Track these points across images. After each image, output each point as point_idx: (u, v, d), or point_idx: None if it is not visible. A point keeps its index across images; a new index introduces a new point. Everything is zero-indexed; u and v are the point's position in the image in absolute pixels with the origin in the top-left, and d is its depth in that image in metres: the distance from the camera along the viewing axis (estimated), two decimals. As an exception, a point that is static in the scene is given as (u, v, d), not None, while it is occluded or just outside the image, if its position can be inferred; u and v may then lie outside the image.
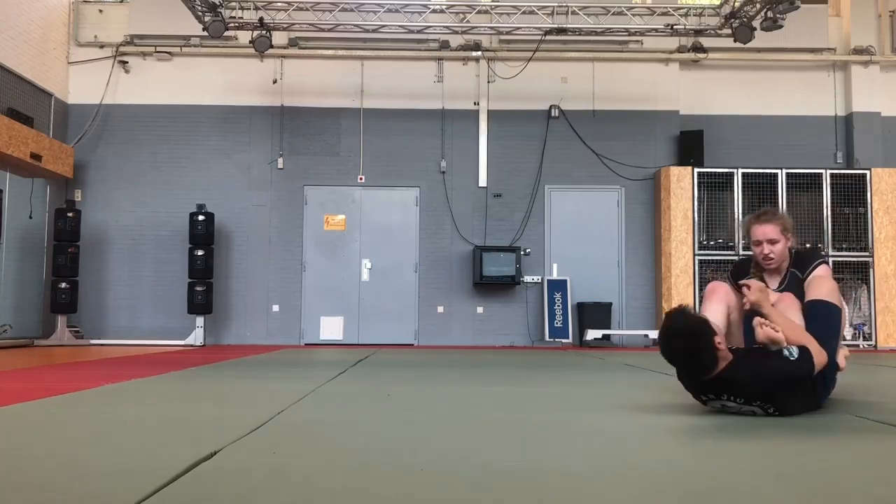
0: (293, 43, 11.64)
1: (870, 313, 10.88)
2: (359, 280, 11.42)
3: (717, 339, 2.93)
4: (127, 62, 11.58)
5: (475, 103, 11.67)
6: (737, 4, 10.01)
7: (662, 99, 11.73)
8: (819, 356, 3.00)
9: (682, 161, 11.38)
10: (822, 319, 3.23)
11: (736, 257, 10.24)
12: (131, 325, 11.16)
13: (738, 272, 3.74)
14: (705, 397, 3.10)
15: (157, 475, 1.85)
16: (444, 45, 11.65)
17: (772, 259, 3.57)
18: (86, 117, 11.41)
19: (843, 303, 3.35)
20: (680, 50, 11.71)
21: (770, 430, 2.76)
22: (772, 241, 3.56)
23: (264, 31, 10.14)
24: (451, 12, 10.75)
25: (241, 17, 10.29)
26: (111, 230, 11.37)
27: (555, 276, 11.42)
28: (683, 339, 2.92)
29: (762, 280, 3.63)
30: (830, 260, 10.84)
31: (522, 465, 2.10)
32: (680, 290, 10.80)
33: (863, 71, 11.93)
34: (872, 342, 10.81)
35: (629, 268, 11.52)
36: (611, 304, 11.28)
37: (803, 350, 2.97)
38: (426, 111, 11.62)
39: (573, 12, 10.37)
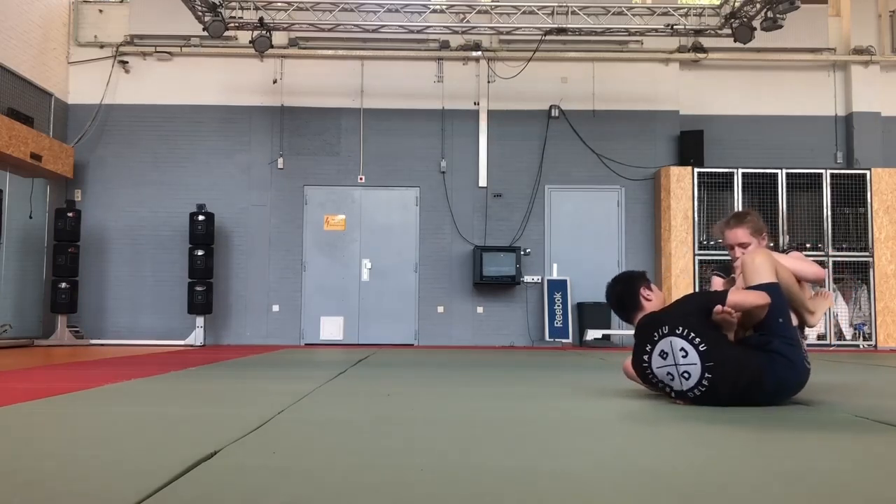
0: (293, 43, 11.64)
1: (870, 313, 10.88)
2: (359, 280, 11.42)
3: (646, 287, 3.60)
4: (127, 62, 11.58)
5: (475, 103, 11.67)
6: (737, 4, 10.01)
7: (662, 99, 11.73)
8: (743, 295, 3.28)
9: (682, 161, 11.38)
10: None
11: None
12: (131, 325, 11.16)
13: (722, 270, 3.98)
14: (644, 358, 3.39)
15: (157, 475, 1.85)
16: (444, 45, 11.65)
17: None
18: (86, 117, 11.41)
19: (780, 268, 3.46)
20: (680, 50, 11.71)
21: (769, 429, 2.76)
22: (743, 245, 3.65)
23: (264, 31, 10.14)
24: (451, 12, 10.75)
25: (241, 17, 10.29)
26: (111, 230, 11.37)
27: (555, 276, 11.42)
28: (622, 283, 3.68)
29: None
30: (830, 260, 10.86)
31: (522, 465, 2.10)
32: (680, 290, 10.79)
33: (863, 71, 11.93)
34: (872, 342, 10.81)
35: (629, 268, 11.48)
36: (611, 304, 11.25)
37: (725, 292, 3.36)
38: (426, 111, 11.63)
39: (573, 12, 10.37)
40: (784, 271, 3.44)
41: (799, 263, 3.55)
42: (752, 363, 3.24)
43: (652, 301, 3.55)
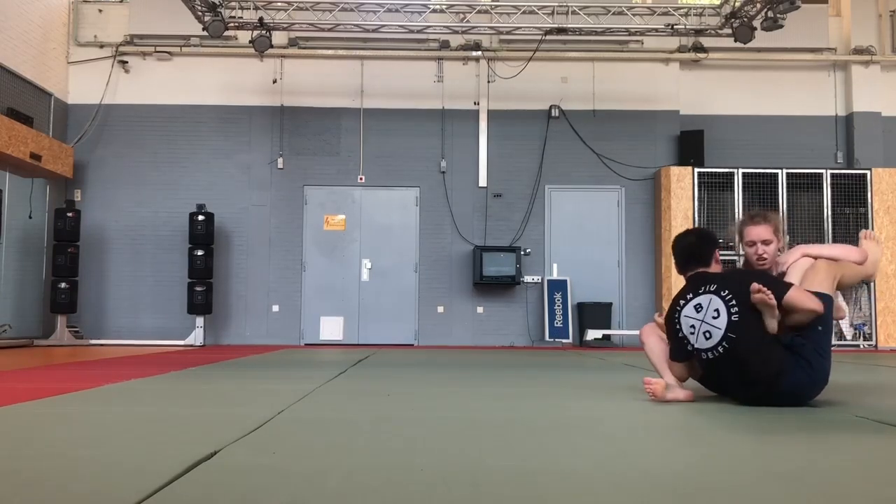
0: (293, 43, 11.64)
1: (870, 313, 10.88)
2: (359, 280, 11.42)
3: (718, 251, 3.60)
4: (127, 62, 11.58)
5: (475, 103, 11.67)
6: (737, 4, 10.01)
7: (662, 99, 11.73)
8: (802, 295, 3.27)
9: (683, 161, 11.38)
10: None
11: (736, 257, 10.24)
12: (131, 325, 11.16)
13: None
14: (680, 303, 3.47)
15: (157, 475, 1.85)
16: (444, 45, 11.65)
17: (765, 259, 3.68)
18: (86, 117, 11.41)
19: (836, 285, 3.52)
20: (680, 50, 11.71)
21: (769, 429, 2.76)
22: (765, 242, 3.68)
23: (264, 31, 10.14)
24: (451, 12, 10.75)
25: (241, 17, 10.29)
26: (111, 230, 11.37)
27: (555, 276, 11.42)
28: (698, 237, 3.66)
29: None
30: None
31: (522, 465, 2.10)
32: (680, 290, 10.78)
33: (863, 71, 11.93)
34: (872, 342, 10.81)
35: (629, 268, 11.52)
36: (611, 304, 11.28)
37: (791, 284, 3.35)
38: (426, 111, 11.63)
39: (573, 12, 10.37)
40: (849, 269, 3.53)
41: (849, 253, 3.62)
42: (775, 360, 3.26)
43: (717, 265, 3.60)
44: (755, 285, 3.21)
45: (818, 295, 3.33)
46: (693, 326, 3.41)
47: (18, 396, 3.70)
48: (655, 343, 3.71)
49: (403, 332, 11.38)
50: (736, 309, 3.29)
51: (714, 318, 3.33)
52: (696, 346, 3.41)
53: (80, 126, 11.40)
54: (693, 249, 3.59)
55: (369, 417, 3.08)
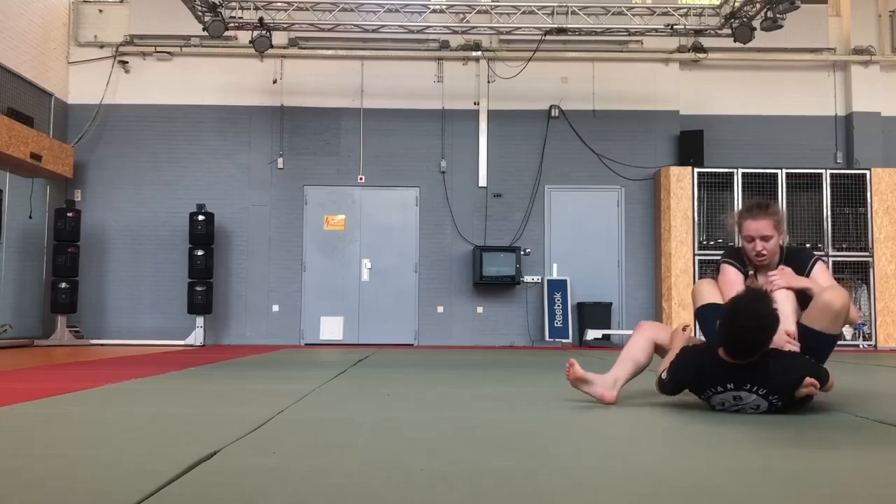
0: (293, 43, 11.64)
1: (870, 313, 10.87)
2: (359, 280, 11.42)
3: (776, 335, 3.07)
4: (127, 62, 11.58)
5: (475, 103, 11.67)
6: (737, 4, 10.01)
7: (662, 99, 11.73)
8: (830, 387, 3.30)
9: (682, 161, 11.38)
10: (818, 346, 3.35)
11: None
12: (131, 325, 11.16)
13: (734, 257, 3.64)
14: (717, 388, 3.11)
15: (157, 475, 1.85)
16: (444, 45, 11.65)
17: (764, 256, 3.47)
18: (86, 117, 11.41)
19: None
20: (680, 50, 11.71)
21: (769, 429, 2.76)
22: (765, 238, 3.44)
23: (264, 31, 10.14)
24: (451, 12, 10.75)
25: (241, 17, 10.29)
26: (111, 230, 11.37)
27: (555, 276, 11.42)
28: (763, 333, 2.99)
29: (754, 277, 3.57)
30: (830, 260, 10.84)
31: (522, 465, 2.10)
32: (680, 290, 10.80)
33: (863, 71, 11.93)
34: (872, 342, 10.81)
35: (629, 268, 11.52)
36: (611, 304, 11.28)
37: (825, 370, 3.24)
38: (426, 111, 11.63)
39: (573, 12, 10.37)
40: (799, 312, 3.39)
41: (847, 308, 3.43)
42: (822, 378, 3.24)
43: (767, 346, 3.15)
44: (809, 379, 2.99)
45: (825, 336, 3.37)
46: (724, 404, 3.18)
47: (18, 396, 3.70)
48: (641, 346, 3.44)
49: (403, 332, 11.38)
50: (779, 403, 3.09)
51: (754, 410, 3.13)
52: (717, 408, 3.23)
53: (81, 126, 11.40)
54: (758, 347, 3.01)
55: (369, 417, 3.08)
